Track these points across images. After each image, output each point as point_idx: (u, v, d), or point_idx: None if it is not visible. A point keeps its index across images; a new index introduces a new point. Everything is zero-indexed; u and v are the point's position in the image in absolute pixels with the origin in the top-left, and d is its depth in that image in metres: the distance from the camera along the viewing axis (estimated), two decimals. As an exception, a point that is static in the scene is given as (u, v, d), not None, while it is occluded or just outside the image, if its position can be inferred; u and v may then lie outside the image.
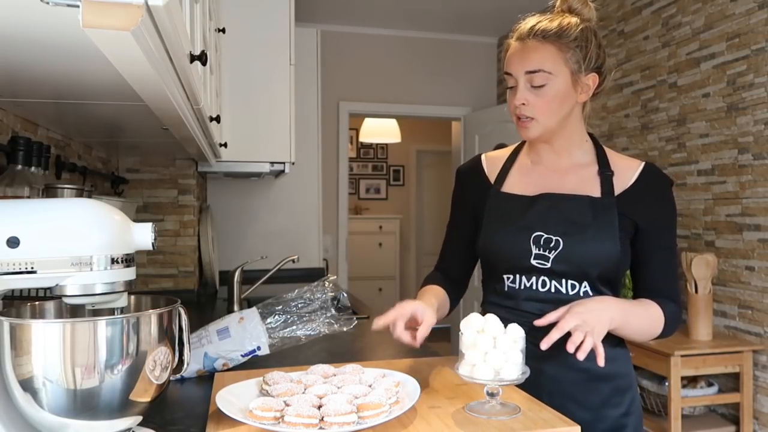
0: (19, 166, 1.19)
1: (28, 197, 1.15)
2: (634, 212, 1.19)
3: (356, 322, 1.35)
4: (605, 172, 1.21)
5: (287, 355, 1.45)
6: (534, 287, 1.20)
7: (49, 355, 0.73)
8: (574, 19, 1.19)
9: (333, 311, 1.34)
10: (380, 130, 6.16)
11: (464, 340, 0.96)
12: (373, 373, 1.04)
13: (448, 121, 4.98)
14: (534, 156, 1.29)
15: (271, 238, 3.30)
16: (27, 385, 0.74)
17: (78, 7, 0.55)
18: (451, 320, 5.34)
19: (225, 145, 2.11)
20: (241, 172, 2.64)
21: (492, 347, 0.93)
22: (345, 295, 1.40)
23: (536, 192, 1.23)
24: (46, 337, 0.73)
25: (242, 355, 1.28)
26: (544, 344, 1.00)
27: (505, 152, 1.35)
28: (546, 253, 1.18)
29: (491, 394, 0.95)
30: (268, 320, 1.34)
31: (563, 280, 1.18)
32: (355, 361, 1.13)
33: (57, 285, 0.77)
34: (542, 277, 1.19)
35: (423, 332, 1.07)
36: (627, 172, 1.22)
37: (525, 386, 1.10)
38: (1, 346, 0.74)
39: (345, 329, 1.31)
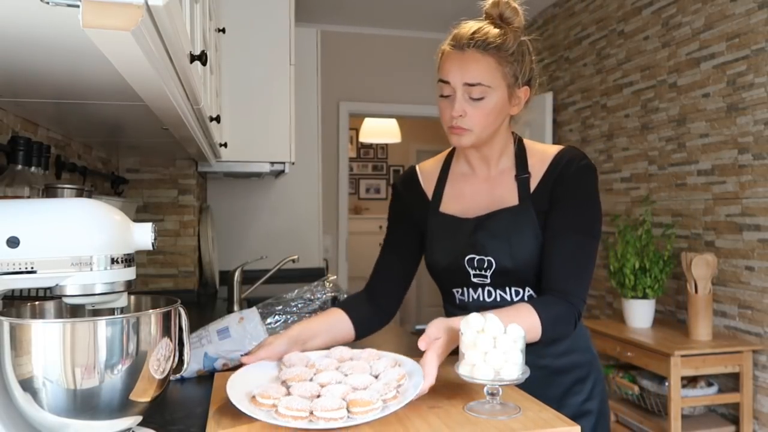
0: (19, 166, 1.19)
1: (28, 197, 1.15)
2: (544, 204, 1.19)
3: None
4: (521, 176, 1.22)
5: (287, 355, 1.45)
6: (481, 298, 1.24)
7: (49, 355, 0.73)
8: (510, 32, 1.17)
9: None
10: (380, 130, 6.17)
11: (464, 340, 0.96)
12: (386, 362, 1.04)
13: (448, 121, 4.97)
14: (464, 166, 1.30)
15: (271, 238, 3.30)
16: (27, 385, 0.74)
17: (78, 7, 0.55)
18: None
19: (225, 145, 2.11)
20: (241, 172, 2.64)
21: (492, 347, 0.93)
22: (345, 295, 1.40)
23: (467, 213, 1.25)
24: (46, 337, 0.73)
25: (242, 355, 1.27)
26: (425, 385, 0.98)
27: (437, 162, 1.35)
28: (483, 272, 1.21)
29: (491, 394, 0.95)
30: (268, 320, 1.35)
31: (506, 288, 1.22)
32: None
33: (57, 285, 0.77)
34: (487, 288, 1.23)
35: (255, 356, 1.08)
36: (540, 165, 1.22)
37: None
38: (1, 346, 0.74)
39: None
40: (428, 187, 1.33)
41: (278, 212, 3.36)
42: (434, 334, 1.01)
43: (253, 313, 1.32)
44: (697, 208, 2.96)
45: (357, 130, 6.40)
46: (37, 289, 1.08)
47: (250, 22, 2.51)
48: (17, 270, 0.75)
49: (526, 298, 1.21)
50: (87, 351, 0.74)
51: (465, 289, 1.26)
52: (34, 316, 0.88)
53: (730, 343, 2.66)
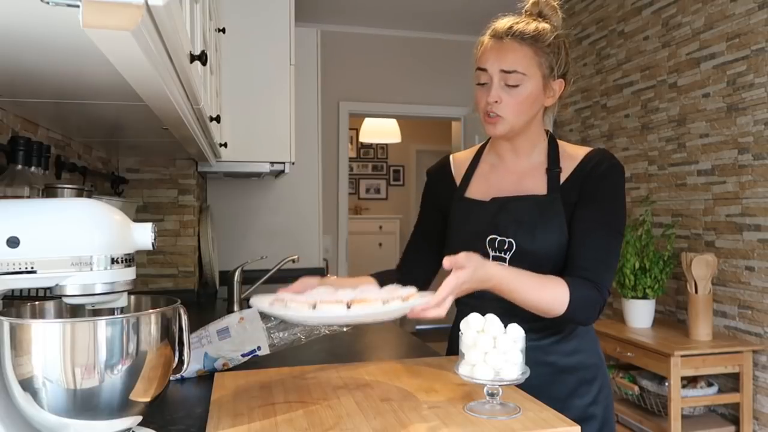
0: (19, 166, 1.19)
1: (28, 197, 1.15)
2: (572, 196, 1.21)
3: (355, 322, 1.34)
4: (553, 170, 1.25)
5: (287, 355, 1.45)
6: None
7: (49, 355, 0.73)
8: (548, 26, 1.23)
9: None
10: (380, 130, 6.17)
11: (464, 340, 0.96)
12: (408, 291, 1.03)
13: (448, 121, 4.98)
14: (494, 157, 1.33)
15: (271, 238, 3.30)
16: (27, 385, 0.74)
17: (78, 7, 0.55)
18: (451, 320, 5.32)
19: (225, 145, 2.11)
20: (241, 172, 2.64)
21: (492, 347, 0.93)
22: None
23: (489, 196, 1.27)
24: (46, 337, 0.73)
25: (242, 355, 1.28)
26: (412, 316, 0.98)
27: (471, 153, 1.39)
28: (502, 255, 1.22)
29: (491, 394, 0.95)
30: (268, 320, 1.34)
31: None
32: (355, 362, 1.13)
33: (57, 285, 0.77)
34: None
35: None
36: (572, 161, 1.25)
37: None
38: (1, 346, 0.74)
39: (344, 329, 1.31)
40: (458, 175, 1.36)
41: (278, 212, 3.36)
42: (463, 261, 1.00)
43: (253, 313, 1.32)
44: (697, 208, 2.96)
45: (357, 130, 6.40)
46: (37, 289, 1.08)
47: (250, 22, 2.51)
48: (17, 270, 0.75)
49: None
50: (87, 351, 0.74)
51: None
52: (34, 316, 0.88)
53: (730, 343, 2.66)
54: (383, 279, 1.30)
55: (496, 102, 1.19)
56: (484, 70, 1.21)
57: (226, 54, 2.41)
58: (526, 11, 1.27)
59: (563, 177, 1.24)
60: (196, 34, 1.11)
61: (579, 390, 1.24)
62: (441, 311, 0.95)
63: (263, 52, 2.53)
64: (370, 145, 6.95)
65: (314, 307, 0.90)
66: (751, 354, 2.64)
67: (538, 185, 1.25)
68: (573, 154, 1.26)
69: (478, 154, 1.37)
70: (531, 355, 1.14)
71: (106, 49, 0.65)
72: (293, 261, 2.28)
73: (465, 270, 1.00)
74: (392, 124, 6.16)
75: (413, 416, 0.92)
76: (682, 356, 2.56)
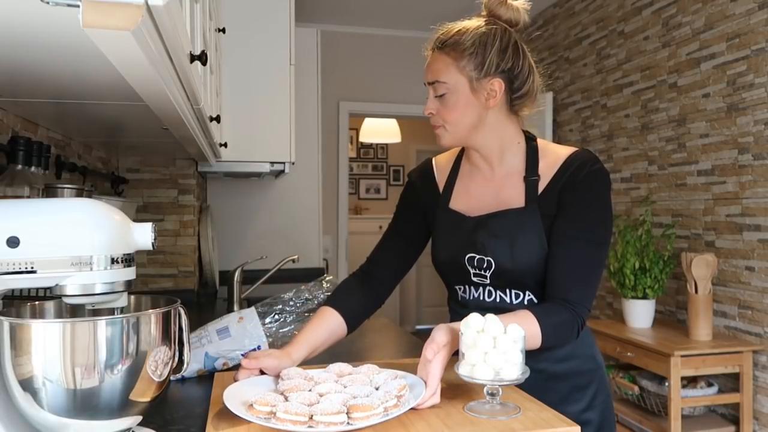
0: (19, 166, 1.19)
1: (28, 197, 1.15)
2: (551, 207, 1.16)
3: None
4: (530, 178, 1.19)
5: (287, 355, 1.45)
6: (482, 297, 1.23)
7: (49, 355, 0.73)
8: (474, 24, 1.20)
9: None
10: (380, 130, 6.16)
11: (464, 340, 0.96)
12: (386, 376, 1.03)
13: (448, 121, 4.97)
14: (470, 164, 1.30)
15: (271, 238, 3.30)
16: (27, 385, 0.74)
17: (78, 7, 0.55)
18: (451, 320, 5.32)
19: (225, 145, 2.11)
20: (241, 172, 2.64)
21: (492, 347, 0.93)
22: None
23: (472, 211, 1.24)
24: (46, 337, 0.73)
25: (242, 355, 1.28)
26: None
27: (451, 156, 1.36)
28: (482, 272, 1.21)
29: (491, 394, 0.95)
30: (267, 320, 1.35)
31: (507, 290, 1.21)
32: (354, 361, 1.13)
33: (57, 285, 0.77)
34: (488, 288, 1.23)
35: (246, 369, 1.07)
36: (551, 168, 1.19)
37: None
38: (1, 346, 0.74)
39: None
40: (441, 180, 1.34)
41: (278, 212, 3.36)
42: (442, 340, 0.99)
43: (252, 312, 1.32)
44: (697, 208, 2.96)
45: (357, 130, 6.40)
46: (37, 289, 1.08)
47: (250, 22, 2.51)
48: (17, 270, 0.75)
49: (525, 302, 1.20)
50: (87, 351, 0.74)
51: (466, 286, 1.25)
52: (34, 316, 0.88)
53: (730, 343, 2.66)
54: (343, 307, 1.27)
55: (431, 114, 1.21)
56: (425, 83, 1.24)
57: (226, 54, 2.41)
58: (479, 14, 1.26)
59: (542, 185, 1.18)
60: (196, 34, 1.11)
61: (571, 396, 1.21)
62: (436, 399, 0.97)
63: (263, 52, 2.53)
64: (370, 145, 6.95)
65: (311, 417, 0.87)
66: (751, 354, 2.64)
67: (516, 196, 1.20)
68: (554, 157, 1.20)
69: (458, 160, 1.33)
70: None
71: (106, 49, 0.65)
72: (293, 261, 2.28)
73: (445, 348, 0.99)
74: (392, 124, 6.16)
75: (413, 416, 0.92)
76: (682, 356, 2.56)
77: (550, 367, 1.20)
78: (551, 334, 1.08)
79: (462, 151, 1.33)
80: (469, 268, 1.21)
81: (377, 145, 6.95)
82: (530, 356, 1.15)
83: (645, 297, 2.96)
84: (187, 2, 0.95)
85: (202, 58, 1.00)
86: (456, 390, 1.04)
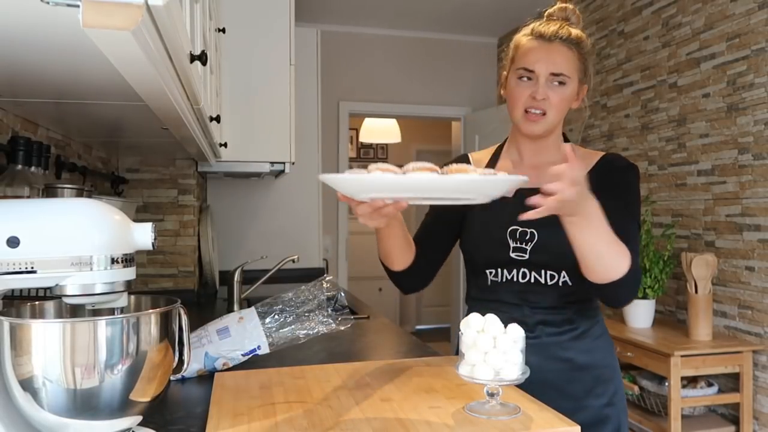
0: (19, 166, 1.19)
1: (28, 197, 1.15)
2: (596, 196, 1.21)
3: (353, 321, 1.35)
4: None
5: (287, 355, 1.45)
6: (515, 279, 1.26)
7: (49, 355, 0.73)
8: (583, 33, 1.29)
9: (330, 310, 1.34)
10: (380, 130, 6.16)
11: (464, 340, 0.96)
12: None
13: (448, 121, 4.98)
14: (515, 156, 1.35)
15: (271, 238, 3.30)
16: (27, 385, 0.74)
17: (78, 7, 0.55)
18: (451, 320, 5.34)
19: (225, 145, 2.11)
20: (241, 172, 2.64)
21: (492, 347, 0.93)
22: (343, 294, 1.40)
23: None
24: (46, 337, 0.73)
25: (242, 354, 1.28)
26: (525, 216, 0.97)
27: (487, 153, 1.42)
28: (523, 246, 1.24)
29: (491, 394, 0.95)
30: (267, 320, 1.35)
31: (542, 271, 1.24)
32: (355, 361, 1.13)
33: (57, 285, 0.77)
34: (522, 269, 1.25)
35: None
36: (588, 161, 1.29)
37: None
38: (1, 346, 0.74)
39: (342, 328, 1.31)
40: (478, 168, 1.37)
41: (278, 212, 3.36)
42: (573, 162, 0.97)
43: (252, 312, 1.32)
44: (697, 208, 2.96)
45: (357, 130, 6.40)
46: (37, 289, 1.08)
47: (250, 22, 2.51)
48: (17, 270, 0.75)
49: (560, 284, 1.24)
50: (87, 351, 0.74)
51: (499, 269, 1.28)
52: (34, 316, 0.88)
53: (730, 343, 2.66)
54: (417, 252, 1.30)
55: (544, 99, 1.23)
56: (530, 71, 1.23)
57: (226, 54, 2.41)
58: (550, 14, 1.30)
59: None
60: (196, 34, 1.11)
61: (595, 389, 1.24)
62: (571, 192, 0.94)
63: (263, 52, 2.53)
64: (370, 145, 6.95)
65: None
66: (751, 354, 2.63)
67: None
68: (589, 155, 1.31)
69: (497, 153, 1.39)
70: (549, 351, 1.23)
71: (106, 49, 0.65)
72: (293, 261, 2.28)
73: (580, 169, 0.97)
74: (392, 124, 6.16)
75: (413, 416, 0.92)
76: (682, 356, 2.56)
77: (578, 357, 1.24)
78: (631, 275, 1.10)
79: (500, 146, 1.40)
80: (510, 241, 1.25)
81: (377, 145, 6.94)
82: (559, 345, 1.23)
83: (645, 297, 2.96)
84: (187, 2, 0.95)
85: (202, 58, 1.00)
86: (456, 390, 1.05)
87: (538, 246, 1.23)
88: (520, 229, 1.24)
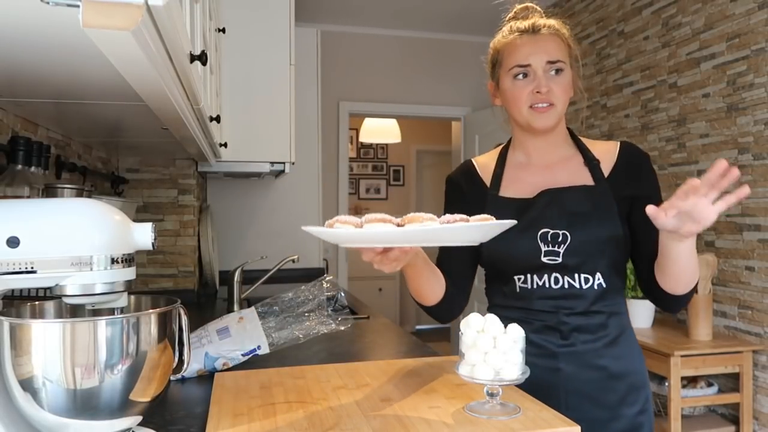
0: (19, 166, 1.19)
1: (28, 197, 1.15)
2: (624, 189, 1.21)
3: (353, 321, 1.35)
4: (592, 162, 1.24)
5: (287, 355, 1.45)
6: (547, 285, 1.20)
7: (49, 355, 0.73)
8: (557, 20, 1.29)
9: (330, 311, 1.34)
10: (380, 130, 6.16)
11: (464, 340, 0.96)
12: None
13: (448, 121, 4.98)
14: (522, 157, 1.30)
15: (271, 238, 3.30)
16: (27, 385, 0.74)
17: (78, 7, 0.55)
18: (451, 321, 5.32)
19: (225, 145, 2.11)
20: (241, 172, 2.64)
21: (492, 347, 0.93)
22: (343, 294, 1.40)
23: (534, 192, 1.24)
24: (46, 337, 0.73)
25: (242, 354, 1.28)
26: (652, 210, 0.96)
27: (491, 156, 1.36)
28: (555, 248, 1.18)
29: (491, 394, 0.95)
30: (267, 319, 1.35)
31: (575, 275, 1.19)
32: (355, 361, 1.13)
33: (57, 285, 0.77)
34: (554, 274, 1.19)
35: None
36: (607, 155, 1.26)
37: (541, 385, 1.12)
38: (1, 346, 0.74)
39: (342, 328, 1.31)
40: (485, 175, 1.32)
41: (278, 212, 3.36)
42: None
43: (252, 312, 1.32)
44: (697, 208, 2.96)
45: (357, 130, 6.40)
46: (37, 289, 1.08)
47: (250, 22, 2.51)
48: (17, 270, 0.75)
49: (595, 287, 1.19)
50: (87, 351, 0.74)
51: (529, 275, 1.21)
52: (34, 316, 0.88)
53: (730, 343, 2.66)
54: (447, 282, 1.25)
55: (548, 91, 1.19)
56: (525, 65, 1.21)
57: (226, 54, 2.41)
58: (516, 15, 1.29)
59: (605, 169, 1.23)
60: (196, 34, 1.11)
61: (629, 397, 1.20)
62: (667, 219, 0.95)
63: (263, 52, 2.53)
64: (370, 145, 6.95)
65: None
66: (751, 354, 2.63)
67: (580, 177, 1.24)
68: (604, 146, 1.28)
69: (502, 156, 1.33)
70: (584, 359, 1.19)
71: (106, 49, 0.65)
72: (293, 261, 2.28)
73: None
74: (392, 124, 6.16)
75: (413, 416, 0.92)
76: (682, 356, 2.56)
77: (612, 364, 1.20)
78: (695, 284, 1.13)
79: (504, 148, 1.35)
80: (542, 245, 1.19)
81: (377, 145, 6.94)
82: (594, 353, 1.19)
83: (645, 297, 2.95)
84: (187, 2, 0.95)
85: (202, 58, 1.00)
86: (456, 390, 1.05)
87: (572, 248, 1.17)
88: (551, 231, 1.19)
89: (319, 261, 3.46)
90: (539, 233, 1.19)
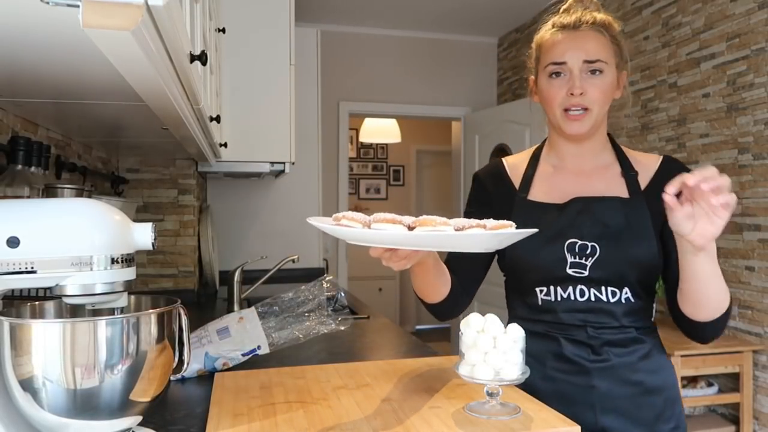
0: (19, 166, 1.19)
1: (28, 197, 1.15)
2: (659, 205, 1.06)
3: (353, 321, 1.34)
4: (629, 173, 1.18)
5: (287, 355, 1.45)
6: (572, 297, 1.13)
7: (49, 355, 0.73)
8: (610, 16, 1.19)
9: (330, 311, 1.34)
10: (380, 130, 6.17)
11: (464, 340, 0.96)
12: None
13: (448, 121, 4.98)
14: (556, 160, 1.24)
15: (271, 238, 3.30)
16: (27, 385, 0.74)
17: (78, 7, 0.55)
18: (451, 320, 5.34)
19: (225, 145, 2.11)
20: (241, 172, 2.64)
21: (492, 347, 0.93)
22: (343, 294, 1.40)
23: (564, 199, 1.17)
24: (46, 337, 0.73)
25: (243, 354, 1.28)
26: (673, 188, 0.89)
27: (523, 157, 1.29)
28: (582, 261, 1.12)
29: (491, 394, 0.95)
30: (267, 319, 1.35)
31: (602, 288, 1.12)
32: (355, 361, 1.13)
33: (57, 285, 0.77)
34: (579, 286, 1.13)
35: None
36: (647, 167, 1.19)
37: (575, 402, 1.09)
38: (1, 346, 0.74)
39: (342, 328, 1.31)
40: (515, 177, 1.26)
41: (278, 212, 3.36)
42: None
43: (252, 312, 1.32)
44: (697, 208, 2.96)
45: (357, 130, 6.40)
46: (37, 289, 1.08)
47: (250, 22, 2.51)
48: (17, 270, 0.75)
49: (623, 300, 1.12)
50: (87, 351, 0.74)
51: (553, 287, 1.14)
52: (34, 316, 0.88)
53: (730, 343, 2.66)
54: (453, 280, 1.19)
55: (582, 94, 1.12)
56: (561, 63, 1.13)
57: (226, 54, 2.41)
58: (567, 8, 1.20)
59: (642, 182, 1.16)
60: (196, 34, 1.11)
61: (665, 413, 1.14)
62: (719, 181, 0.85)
63: (263, 52, 2.53)
64: (370, 145, 6.95)
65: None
66: (751, 354, 2.63)
67: (615, 188, 1.17)
68: (645, 158, 1.21)
69: (535, 158, 1.27)
70: (619, 374, 1.11)
71: (106, 49, 0.65)
72: (293, 261, 2.28)
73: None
74: (392, 124, 6.16)
75: (413, 416, 0.92)
76: (683, 356, 2.56)
77: (647, 379, 1.13)
78: (730, 308, 1.05)
79: (538, 149, 1.29)
80: (568, 255, 1.12)
81: (377, 145, 6.95)
82: (628, 367, 1.12)
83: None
84: (187, 2, 0.95)
85: (202, 58, 1.00)
86: (456, 390, 1.05)
87: (600, 261, 1.10)
88: (580, 241, 1.12)
89: (319, 261, 3.46)
90: (566, 243, 1.12)
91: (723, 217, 0.88)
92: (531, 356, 1.11)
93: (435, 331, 6.39)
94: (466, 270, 1.23)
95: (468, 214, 1.26)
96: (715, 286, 1.00)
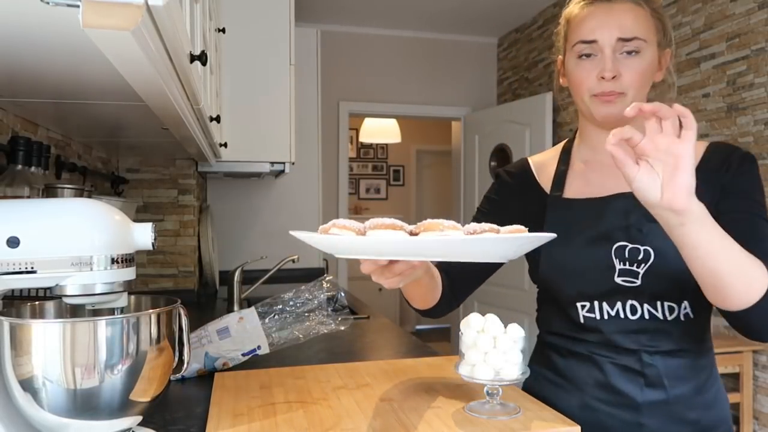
0: (19, 166, 1.19)
1: (28, 197, 1.15)
2: (705, 192, 0.89)
3: (353, 321, 1.35)
4: None
5: (287, 355, 1.45)
6: (622, 315, 0.97)
7: (49, 355, 0.73)
8: None
9: (330, 311, 1.34)
10: (380, 130, 6.17)
11: (464, 340, 0.96)
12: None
13: (448, 121, 4.98)
14: (589, 154, 1.07)
15: (271, 238, 3.30)
16: (27, 385, 0.74)
17: (78, 7, 0.55)
18: (451, 320, 5.34)
19: (225, 145, 2.11)
20: (241, 172, 2.64)
21: (492, 347, 0.93)
22: (343, 294, 1.40)
23: (601, 193, 1.01)
24: (46, 337, 0.73)
25: (243, 354, 1.28)
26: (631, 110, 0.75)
27: (552, 155, 1.15)
28: (634, 268, 0.95)
29: (491, 394, 0.95)
30: (267, 320, 1.35)
31: (658, 303, 0.96)
32: (355, 361, 1.13)
33: (57, 285, 0.77)
34: (630, 302, 0.97)
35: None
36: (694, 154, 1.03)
37: None
38: (1, 346, 0.74)
39: (342, 328, 1.31)
40: (543, 179, 1.11)
41: (278, 212, 3.36)
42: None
43: (252, 312, 1.32)
44: (697, 208, 2.96)
45: (357, 130, 6.40)
46: (37, 289, 1.08)
47: (250, 22, 2.51)
48: (17, 270, 0.75)
49: (682, 317, 0.97)
50: (87, 351, 0.74)
51: (598, 303, 0.98)
52: (34, 316, 0.88)
53: (730, 343, 2.66)
54: (444, 280, 1.08)
55: (615, 78, 0.95)
56: (591, 42, 0.97)
57: (226, 54, 2.41)
58: None
59: None
60: (196, 34, 1.11)
61: None
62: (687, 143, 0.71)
63: (263, 52, 2.53)
64: (370, 145, 6.95)
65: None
66: (751, 354, 2.63)
67: None
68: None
69: (566, 152, 1.12)
70: (675, 411, 0.96)
71: (106, 49, 0.65)
72: (293, 261, 2.28)
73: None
74: (392, 124, 6.16)
75: (413, 416, 0.92)
76: (682, 356, 2.56)
77: (704, 416, 0.98)
78: None
79: (568, 143, 1.14)
80: (616, 262, 0.96)
81: (377, 145, 6.95)
82: (682, 403, 0.97)
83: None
84: (187, 2, 0.95)
85: (202, 58, 1.00)
86: (456, 390, 1.05)
87: (654, 268, 0.94)
88: (630, 245, 0.95)
89: (319, 261, 3.46)
90: (614, 247, 0.96)
91: (685, 153, 0.73)
92: (567, 380, 1.04)
93: (435, 331, 6.39)
94: (461, 278, 1.10)
95: (480, 213, 1.14)
96: (725, 260, 0.79)
